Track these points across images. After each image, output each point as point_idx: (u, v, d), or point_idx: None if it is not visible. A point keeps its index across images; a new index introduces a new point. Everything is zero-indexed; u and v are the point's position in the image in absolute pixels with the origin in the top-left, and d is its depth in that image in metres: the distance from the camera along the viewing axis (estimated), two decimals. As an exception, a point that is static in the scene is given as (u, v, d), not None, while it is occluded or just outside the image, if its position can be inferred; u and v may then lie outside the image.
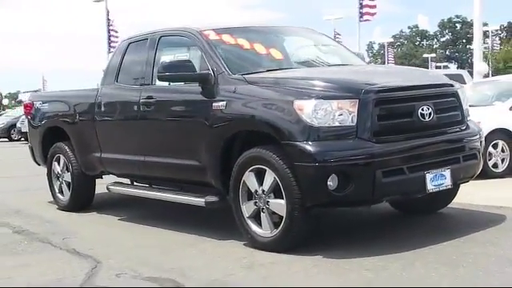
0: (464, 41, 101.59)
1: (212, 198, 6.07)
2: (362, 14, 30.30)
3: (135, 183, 7.56)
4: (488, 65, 24.23)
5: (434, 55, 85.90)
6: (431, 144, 5.53)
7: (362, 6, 30.20)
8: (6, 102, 74.42)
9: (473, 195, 7.07)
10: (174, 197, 6.59)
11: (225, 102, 5.79)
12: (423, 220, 6.40)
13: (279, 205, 5.35)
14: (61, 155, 8.24)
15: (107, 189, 7.70)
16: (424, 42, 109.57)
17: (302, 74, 6.08)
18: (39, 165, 9.06)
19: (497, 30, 73.45)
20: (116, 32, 36.87)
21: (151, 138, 6.77)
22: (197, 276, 4.91)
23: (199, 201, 6.15)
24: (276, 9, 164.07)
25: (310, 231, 5.43)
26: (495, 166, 9.54)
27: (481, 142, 6.05)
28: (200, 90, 6.08)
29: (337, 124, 5.15)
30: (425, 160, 5.43)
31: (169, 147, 6.57)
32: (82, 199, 8.20)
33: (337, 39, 25.26)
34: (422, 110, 5.42)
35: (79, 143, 7.86)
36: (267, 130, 5.43)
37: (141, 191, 7.26)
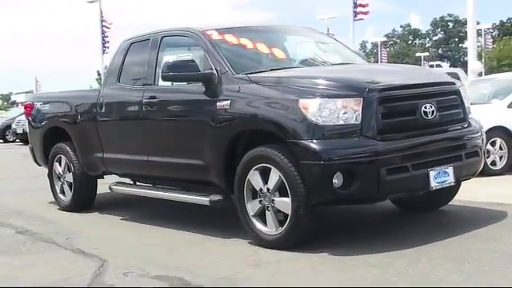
0: (456, 39, 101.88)
1: (216, 197, 6.10)
2: (356, 14, 30.40)
3: (138, 183, 7.59)
4: (482, 63, 24.34)
5: (426, 54, 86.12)
6: (434, 142, 5.59)
7: (356, 6, 30.29)
8: (-2, 103, 74.25)
9: (473, 192, 7.13)
10: (178, 196, 6.63)
11: (229, 102, 5.82)
12: (425, 217, 6.46)
13: (284, 203, 5.39)
14: (62, 155, 8.25)
15: (110, 189, 7.72)
16: (416, 41, 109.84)
17: (305, 73, 6.12)
18: (40, 165, 9.07)
19: (489, 29, 73.68)
20: (108, 28, 36.82)
21: (154, 137, 6.80)
22: (204, 274, 4.94)
23: (203, 200, 6.19)
24: (267, 9, 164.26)
25: (315, 229, 5.48)
26: (493, 163, 9.62)
27: (482, 139, 6.11)
28: (203, 89, 6.11)
29: (341, 122, 5.20)
30: (428, 157, 5.48)
31: (172, 147, 6.60)
32: (83, 199, 8.22)
33: (331, 38, 25.27)
34: (425, 107, 5.48)
35: (81, 143, 7.88)
36: (272, 128, 5.47)
37: (144, 191, 7.29)
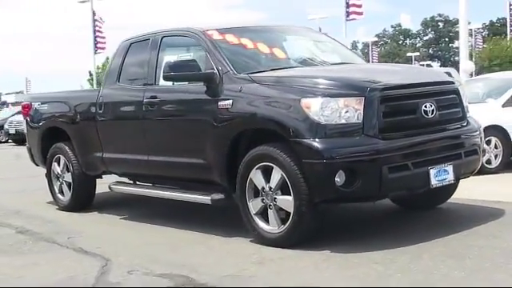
0: (447, 39, 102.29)
1: (218, 196, 6.14)
2: (348, 14, 30.47)
3: (138, 182, 7.62)
4: (473, 63, 24.46)
5: (417, 54, 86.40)
6: (434, 140, 5.66)
7: (348, 6, 30.37)
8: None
9: (470, 191, 7.20)
10: (180, 195, 6.67)
11: (231, 101, 5.87)
12: (424, 215, 6.52)
13: (287, 201, 5.44)
14: (61, 155, 8.26)
15: (109, 188, 7.74)
16: (407, 41, 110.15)
17: (307, 72, 6.17)
18: (37, 165, 9.07)
19: (479, 29, 73.94)
20: (101, 33, 36.79)
21: (155, 137, 6.83)
22: (209, 272, 4.98)
23: (205, 199, 6.22)
24: (259, 9, 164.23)
25: (316, 227, 5.53)
26: (489, 162, 9.70)
27: (481, 138, 6.19)
28: (205, 89, 6.15)
29: (343, 121, 5.26)
30: (428, 156, 5.56)
31: (173, 146, 6.64)
32: (82, 199, 8.24)
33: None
34: (426, 106, 5.55)
35: (80, 143, 7.90)
36: (274, 127, 5.52)
37: (145, 190, 7.32)
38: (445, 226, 5.98)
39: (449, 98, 5.89)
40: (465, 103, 6.09)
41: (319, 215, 5.49)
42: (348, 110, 5.26)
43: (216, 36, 6.49)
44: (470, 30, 51.26)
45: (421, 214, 6.57)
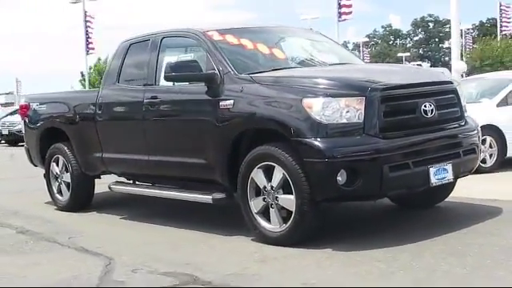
0: (437, 40, 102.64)
1: (219, 195, 6.19)
2: (340, 14, 30.58)
3: (137, 182, 7.65)
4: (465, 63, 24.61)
5: (408, 54, 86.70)
6: (434, 139, 5.74)
7: (340, 6, 30.48)
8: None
9: (468, 189, 7.27)
10: (181, 195, 6.71)
11: (232, 101, 5.92)
12: (423, 214, 6.59)
13: (288, 200, 5.50)
14: (59, 156, 8.29)
15: (109, 188, 7.77)
16: (397, 41, 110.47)
17: (307, 73, 6.24)
18: (36, 166, 9.08)
19: (468, 29, 74.31)
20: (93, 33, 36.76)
21: (156, 137, 6.87)
22: (212, 271, 5.02)
23: (206, 198, 6.27)
24: (250, 9, 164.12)
25: (318, 225, 5.59)
26: (484, 161, 9.78)
27: (478, 137, 6.27)
28: (206, 89, 6.20)
29: (344, 121, 5.32)
30: (428, 155, 5.63)
31: (174, 146, 6.68)
32: (81, 199, 8.26)
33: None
34: (425, 106, 5.62)
35: (79, 144, 7.93)
36: (276, 127, 5.58)
37: (145, 190, 7.36)
38: (443, 225, 6.05)
39: (447, 98, 5.97)
40: (463, 103, 6.17)
41: (321, 214, 5.55)
42: (349, 110, 5.32)
43: (216, 37, 6.54)
44: (461, 30, 51.44)
45: (419, 212, 6.64)
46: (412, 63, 72.93)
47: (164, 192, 7.01)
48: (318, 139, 5.29)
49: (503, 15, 48.25)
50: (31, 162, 9.08)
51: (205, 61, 6.40)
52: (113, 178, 8.09)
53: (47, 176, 8.58)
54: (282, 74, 6.12)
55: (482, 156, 9.62)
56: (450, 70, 19.58)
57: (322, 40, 7.56)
